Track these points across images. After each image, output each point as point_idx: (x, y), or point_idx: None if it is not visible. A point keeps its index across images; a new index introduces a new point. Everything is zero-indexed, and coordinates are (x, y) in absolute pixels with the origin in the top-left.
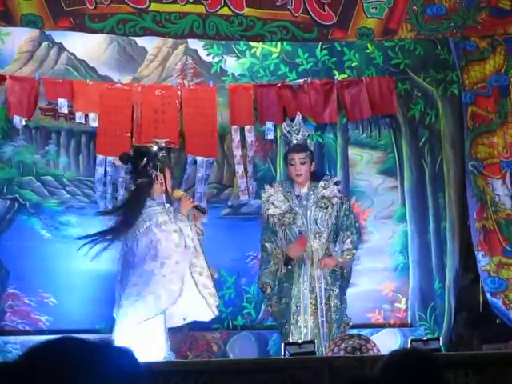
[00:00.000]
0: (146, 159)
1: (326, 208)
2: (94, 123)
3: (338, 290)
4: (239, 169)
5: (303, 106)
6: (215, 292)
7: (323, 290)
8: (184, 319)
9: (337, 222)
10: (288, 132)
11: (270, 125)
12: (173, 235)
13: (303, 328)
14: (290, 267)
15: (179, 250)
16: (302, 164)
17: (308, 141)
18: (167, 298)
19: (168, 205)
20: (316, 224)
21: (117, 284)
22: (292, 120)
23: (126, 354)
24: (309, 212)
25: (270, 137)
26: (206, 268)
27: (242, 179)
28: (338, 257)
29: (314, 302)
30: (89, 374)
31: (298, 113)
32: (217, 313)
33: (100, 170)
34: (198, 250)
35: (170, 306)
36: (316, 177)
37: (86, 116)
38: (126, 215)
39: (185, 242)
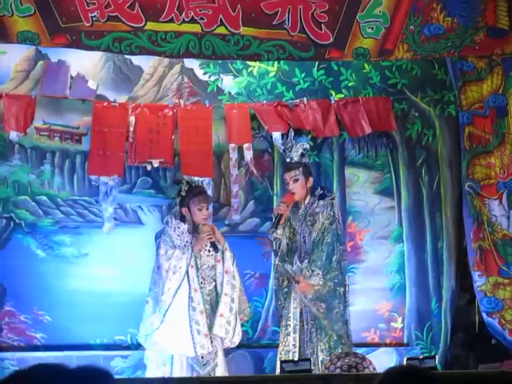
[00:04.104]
0: (176, 194)
1: (312, 226)
2: (93, 86)
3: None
4: (234, 188)
5: (303, 120)
6: (207, 331)
7: (308, 311)
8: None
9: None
10: (283, 151)
11: (277, 134)
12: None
13: (292, 347)
14: (278, 227)
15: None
16: (294, 182)
17: (303, 155)
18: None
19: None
20: (304, 242)
21: None
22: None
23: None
24: (300, 230)
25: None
26: (202, 303)
27: (236, 199)
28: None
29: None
30: None
31: (291, 129)
32: (201, 352)
33: (103, 189)
34: (195, 283)
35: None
36: (316, 193)
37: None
38: None
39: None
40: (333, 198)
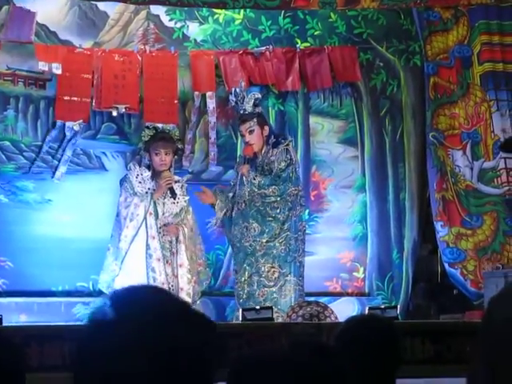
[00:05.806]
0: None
1: (269, 175)
2: (57, 71)
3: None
4: (189, 134)
5: (266, 73)
6: (164, 279)
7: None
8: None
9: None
10: (235, 103)
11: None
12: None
13: None
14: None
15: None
16: (250, 133)
17: (256, 105)
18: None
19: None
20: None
21: None
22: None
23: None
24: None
25: None
26: (159, 250)
27: (188, 145)
28: None
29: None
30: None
31: (241, 80)
32: None
33: (68, 134)
34: (153, 232)
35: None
36: (270, 141)
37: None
38: None
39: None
40: (287, 145)
